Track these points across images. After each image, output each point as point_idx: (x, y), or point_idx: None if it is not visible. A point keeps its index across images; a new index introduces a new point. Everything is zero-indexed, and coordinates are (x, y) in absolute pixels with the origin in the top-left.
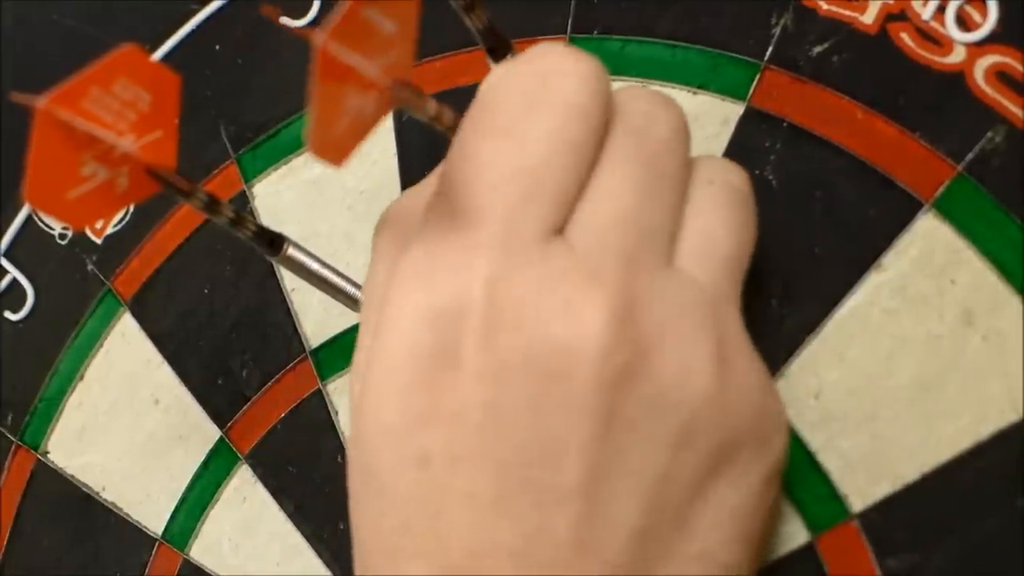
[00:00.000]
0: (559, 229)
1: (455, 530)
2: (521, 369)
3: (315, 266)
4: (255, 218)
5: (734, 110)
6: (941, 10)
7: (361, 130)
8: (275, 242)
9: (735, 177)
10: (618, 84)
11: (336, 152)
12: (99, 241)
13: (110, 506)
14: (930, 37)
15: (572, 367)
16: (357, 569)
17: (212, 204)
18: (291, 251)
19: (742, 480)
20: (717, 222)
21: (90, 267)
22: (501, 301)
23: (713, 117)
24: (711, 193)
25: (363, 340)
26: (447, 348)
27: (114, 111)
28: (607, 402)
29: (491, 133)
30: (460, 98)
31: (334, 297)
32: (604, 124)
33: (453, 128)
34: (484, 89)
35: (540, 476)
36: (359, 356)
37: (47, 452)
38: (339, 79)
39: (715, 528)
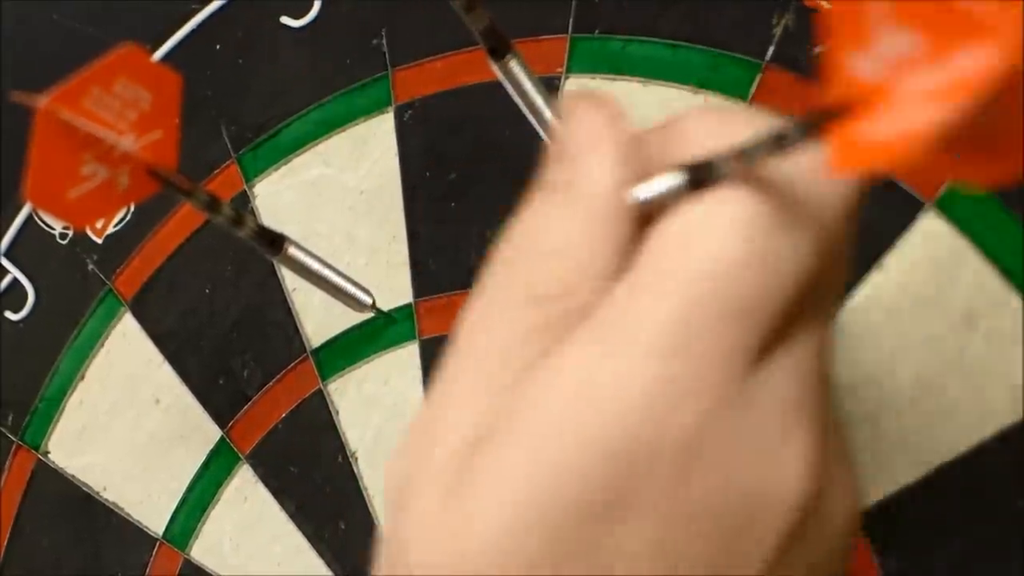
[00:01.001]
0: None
1: None
2: (710, 516)
3: (316, 265)
4: (256, 218)
5: None
6: None
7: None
8: (276, 242)
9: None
10: (620, 84)
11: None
12: (100, 241)
13: (111, 506)
14: None
15: (762, 516)
16: None
17: (213, 204)
18: (292, 251)
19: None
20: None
21: (91, 267)
22: (703, 440)
23: None
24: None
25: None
26: (618, 486)
27: (115, 111)
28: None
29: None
30: (461, 98)
31: (335, 296)
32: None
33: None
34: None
35: None
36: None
37: (48, 452)
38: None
39: None
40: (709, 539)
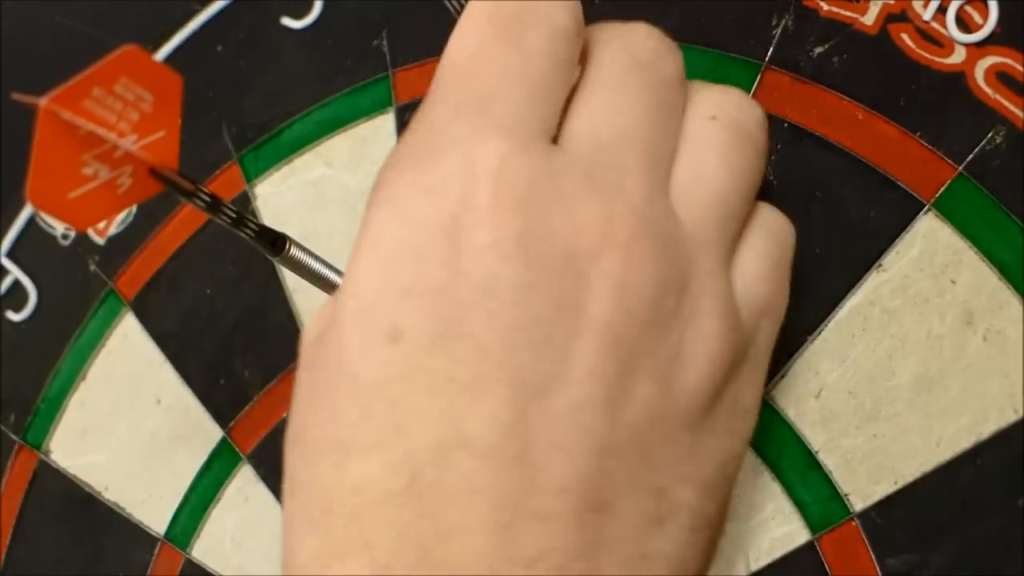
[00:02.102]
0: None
1: (420, 417)
2: (522, 253)
3: (317, 266)
4: (257, 218)
5: None
6: (942, 11)
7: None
8: (277, 242)
9: (745, 115)
10: None
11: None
12: (101, 241)
13: (112, 506)
14: (931, 38)
15: (568, 266)
16: (287, 485)
17: (214, 204)
18: (293, 251)
19: (712, 431)
20: (710, 161)
21: (92, 267)
22: (510, 181)
23: None
24: (710, 130)
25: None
26: (443, 221)
27: (116, 111)
28: (602, 314)
29: (493, 37)
30: None
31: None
32: (581, 50)
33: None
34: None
35: (526, 364)
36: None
37: (49, 452)
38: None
39: (677, 470)
40: (526, 270)
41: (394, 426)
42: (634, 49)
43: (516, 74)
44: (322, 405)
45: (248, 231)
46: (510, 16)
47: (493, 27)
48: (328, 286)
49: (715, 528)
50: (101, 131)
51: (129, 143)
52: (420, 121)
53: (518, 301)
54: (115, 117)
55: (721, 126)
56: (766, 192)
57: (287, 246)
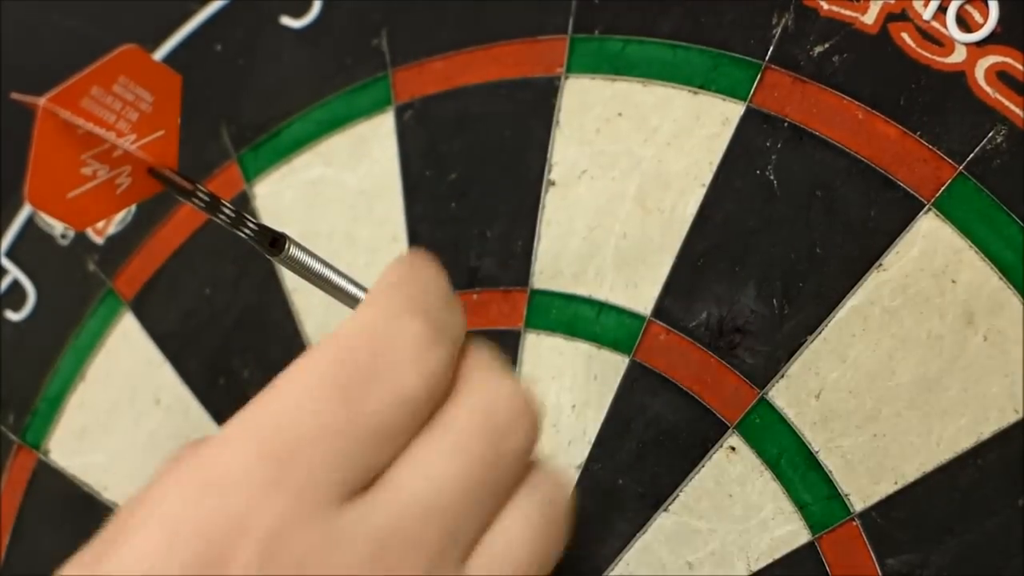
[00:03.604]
0: (362, 490)
1: None
2: None
3: (316, 266)
4: (256, 217)
5: (735, 110)
6: (942, 10)
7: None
8: (276, 241)
9: (557, 493)
10: (620, 84)
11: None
12: (100, 241)
13: (111, 506)
14: (931, 37)
15: None
16: None
17: (213, 203)
18: (292, 250)
19: None
20: (525, 538)
21: (91, 267)
22: (279, 549)
23: (714, 117)
24: (529, 503)
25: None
26: (207, 562)
27: (115, 111)
28: None
29: (331, 388)
30: (460, 98)
31: (335, 296)
32: (430, 411)
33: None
34: (330, 341)
35: None
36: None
37: (48, 452)
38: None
39: None
40: None
41: None
42: (495, 410)
43: (333, 433)
44: None
45: (247, 230)
46: (355, 372)
47: (334, 379)
48: (328, 286)
49: None
50: (100, 131)
51: (128, 142)
52: (220, 446)
53: None
54: (114, 117)
55: (539, 502)
56: (767, 193)
57: (286, 245)
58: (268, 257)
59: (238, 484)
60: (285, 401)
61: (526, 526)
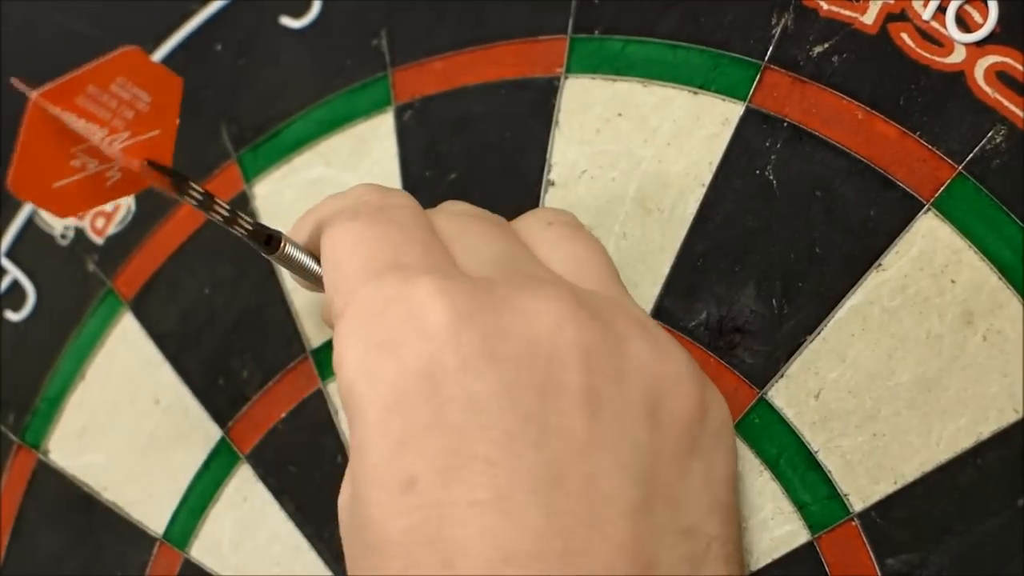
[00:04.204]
0: None
1: (460, 548)
2: (490, 361)
3: (311, 263)
4: (255, 217)
5: (734, 110)
6: (941, 10)
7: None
8: (271, 239)
9: (564, 215)
10: (620, 84)
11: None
12: (100, 241)
13: (111, 506)
14: (930, 37)
15: (534, 352)
16: None
17: (206, 200)
18: (287, 248)
19: (711, 452)
20: (573, 247)
21: (91, 267)
22: (451, 304)
23: (713, 117)
24: (555, 231)
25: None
26: (410, 366)
27: (111, 108)
28: (581, 381)
29: (369, 223)
30: (460, 98)
31: None
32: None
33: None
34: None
35: (534, 462)
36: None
37: (48, 452)
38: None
39: (698, 502)
40: (500, 374)
41: (440, 564)
42: (454, 209)
43: (403, 239)
44: (366, 569)
45: (241, 228)
46: (373, 205)
47: (366, 213)
48: (322, 284)
49: (740, 550)
50: (84, 127)
51: (121, 139)
52: (352, 293)
53: (505, 407)
54: (109, 114)
55: (559, 226)
56: (766, 193)
57: (281, 244)
58: (263, 255)
59: (385, 296)
60: (345, 243)
61: (561, 239)
